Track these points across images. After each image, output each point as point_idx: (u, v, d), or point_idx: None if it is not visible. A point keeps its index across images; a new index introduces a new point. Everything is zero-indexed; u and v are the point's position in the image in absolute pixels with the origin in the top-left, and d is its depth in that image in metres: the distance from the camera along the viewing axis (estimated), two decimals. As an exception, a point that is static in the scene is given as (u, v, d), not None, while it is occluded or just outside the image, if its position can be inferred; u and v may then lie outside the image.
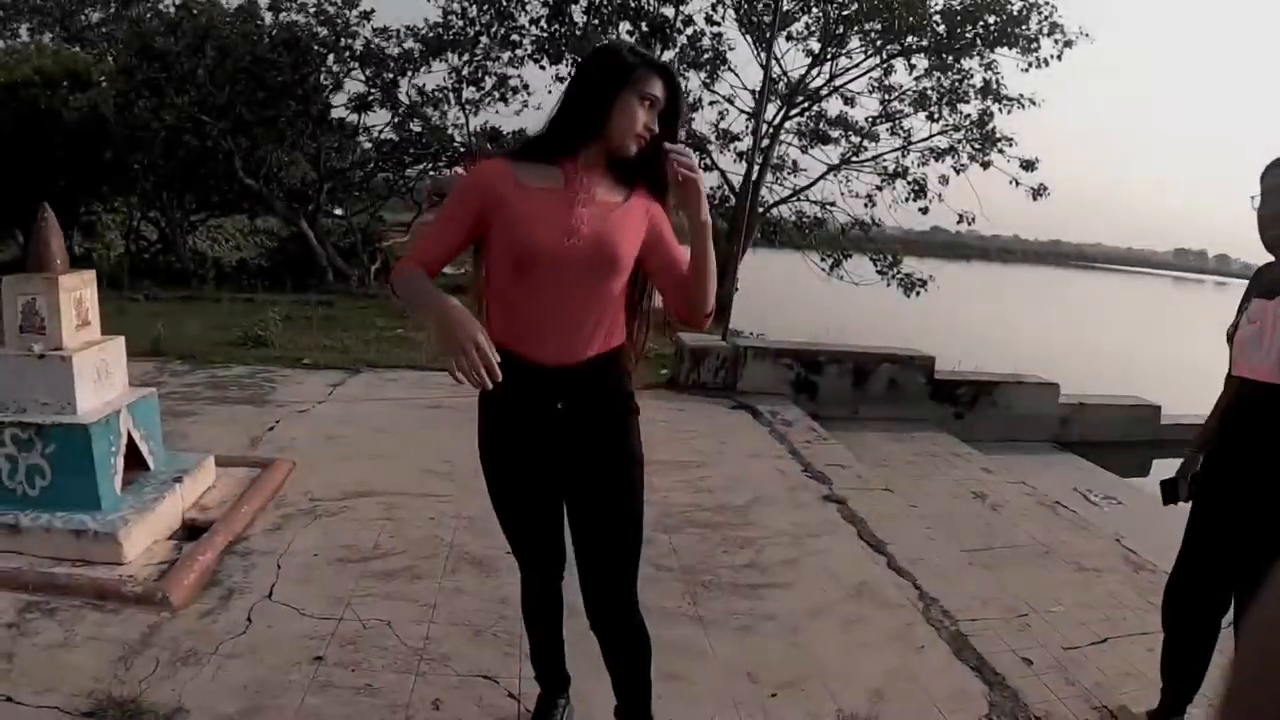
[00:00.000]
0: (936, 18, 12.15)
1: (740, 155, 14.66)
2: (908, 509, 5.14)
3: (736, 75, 14.47)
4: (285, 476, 4.43)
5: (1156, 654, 3.36)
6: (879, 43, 12.79)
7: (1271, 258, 2.69)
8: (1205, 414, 9.37)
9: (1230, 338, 2.80)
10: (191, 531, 3.72)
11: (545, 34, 13.68)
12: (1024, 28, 12.18)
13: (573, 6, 13.33)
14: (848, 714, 2.86)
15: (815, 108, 13.96)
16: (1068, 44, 12.34)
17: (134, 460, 3.71)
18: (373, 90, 15.62)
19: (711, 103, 14.53)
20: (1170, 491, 3.01)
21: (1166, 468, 8.33)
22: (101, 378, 3.57)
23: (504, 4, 13.75)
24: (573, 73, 2.15)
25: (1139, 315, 34.78)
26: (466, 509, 4.28)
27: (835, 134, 14.53)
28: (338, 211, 17.47)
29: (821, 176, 14.33)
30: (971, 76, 12.94)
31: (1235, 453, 2.73)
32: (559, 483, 2.20)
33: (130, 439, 3.66)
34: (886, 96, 13.64)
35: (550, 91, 14.90)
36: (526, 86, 15.18)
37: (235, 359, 7.50)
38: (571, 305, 2.00)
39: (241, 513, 3.84)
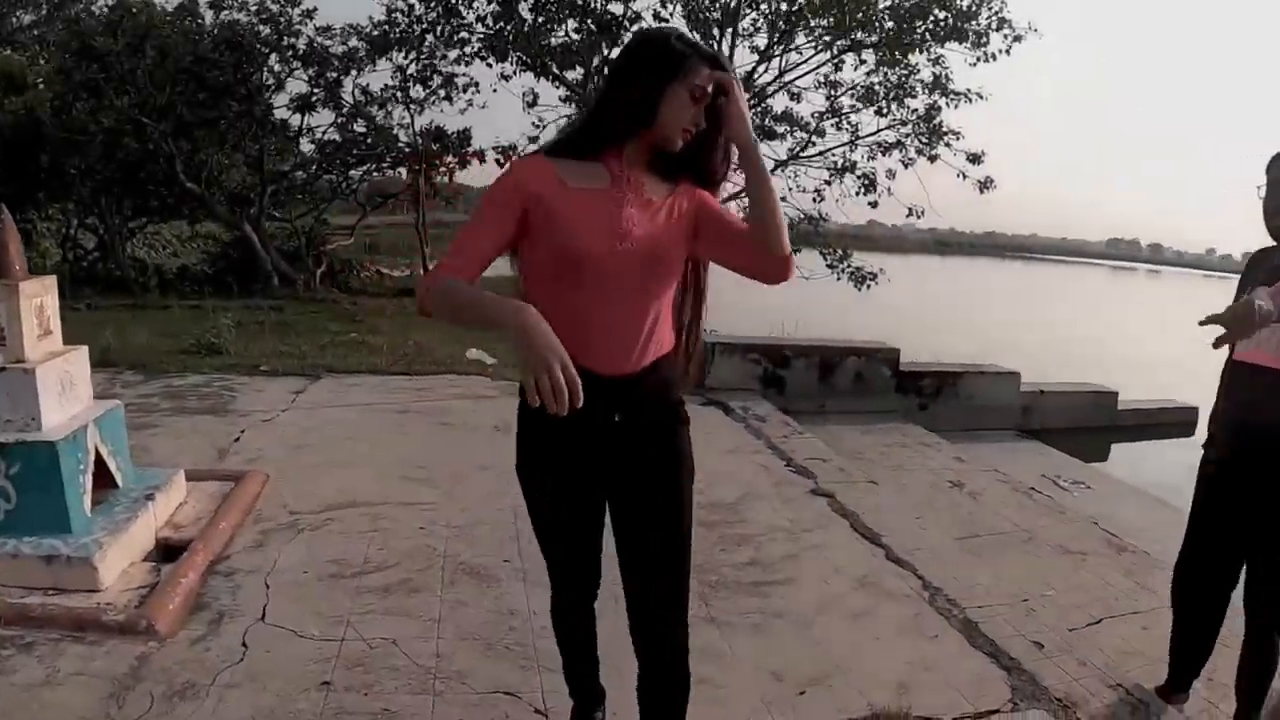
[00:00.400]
0: (885, 14, 12.22)
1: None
2: (894, 500, 5.13)
3: None
4: (260, 489, 4.21)
5: (1151, 632, 3.52)
6: (827, 39, 12.81)
7: (1269, 244, 2.73)
8: (1160, 399, 9.53)
9: None
10: (167, 552, 3.49)
11: (491, 31, 13.42)
12: (974, 22, 12.31)
13: (521, 4, 13.09)
14: (879, 708, 2.82)
15: (762, 104, 13.91)
16: (1017, 39, 12.50)
17: (101, 478, 3.47)
18: (315, 90, 15.21)
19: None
20: None
21: (1125, 452, 8.56)
22: (66, 390, 3.33)
23: (451, 1, 13.46)
24: (615, 62, 1.94)
25: (1078, 303, 35.73)
26: (453, 517, 4.14)
27: (781, 130, 14.56)
28: (278, 214, 16.98)
29: (770, 172, 14.28)
30: (919, 71, 13.04)
31: (1243, 436, 2.73)
32: (607, 499, 2.08)
33: (98, 455, 3.43)
34: (833, 92, 13.68)
35: (495, 90, 14.64)
36: (475, 85, 14.91)
37: (190, 367, 7.18)
38: (626, 311, 1.87)
39: (220, 530, 3.62)
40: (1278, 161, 2.62)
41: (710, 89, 1.82)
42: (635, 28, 12.98)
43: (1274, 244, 2.70)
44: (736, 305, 8.79)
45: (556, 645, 2.38)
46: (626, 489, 2.03)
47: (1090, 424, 8.67)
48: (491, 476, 4.78)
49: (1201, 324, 2.26)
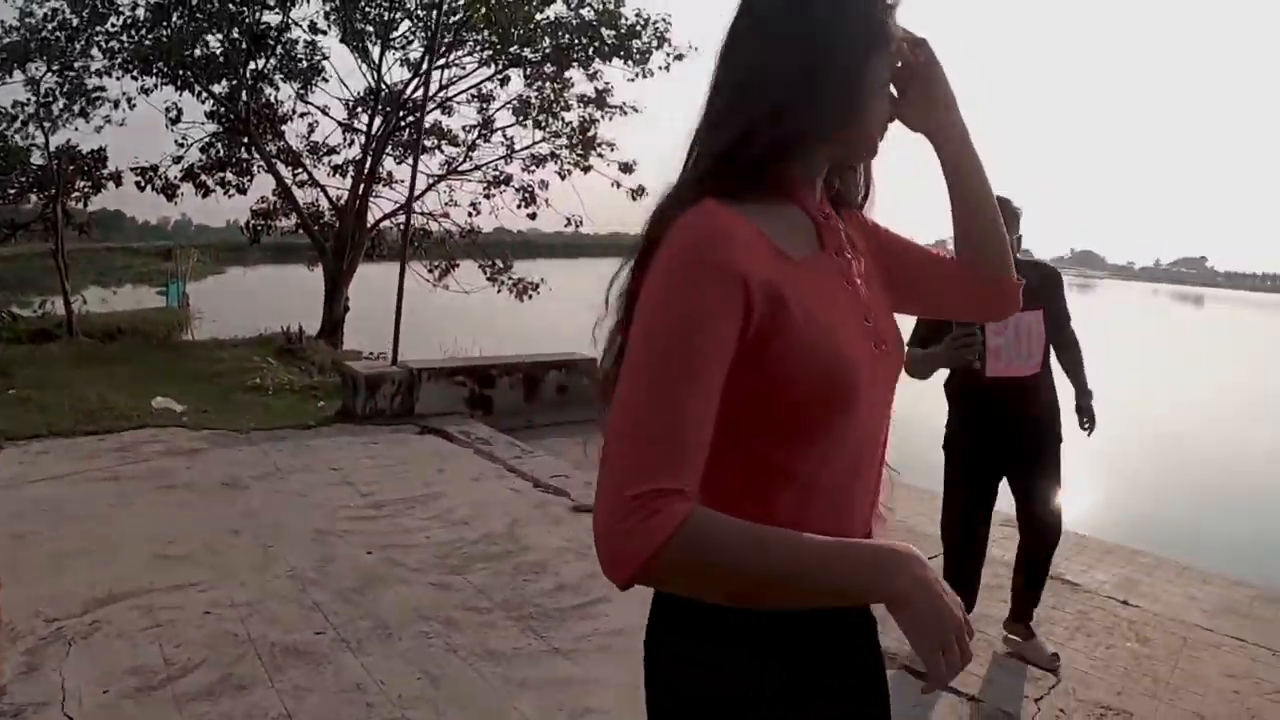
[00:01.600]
0: (547, 31, 12.63)
1: (336, 169, 14.04)
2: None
3: (345, 85, 13.79)
4: (-8, 600, 3.52)
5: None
6: (490, 54, 12.95)
7: None
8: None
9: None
10: (-92, 699, 2.83)
11: (134, 42, 11.89)
12: (638, 41, 12.96)
13: (173, 12, 11.73)
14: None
15: (421, 119, 13.78)
16: (678, 57, 13.32)
17: None
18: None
19: (303, 114, 13.76)
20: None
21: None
22: None
23: (100, 8, 11.72)
24: (784, 19, 1.08)
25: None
26: (235, 594, 3.77)
27: (430, 144, 14.47)
28: None
29: (430, 187, 14.13)
30: (573, 85, 13.65)
31: (992, 429, 3.51)
32: None
33: None
34: (484, 106, 13.85)
35: (133, 105, 12.94)
36: (130, 100, 13.09)
37: None
38: (878, 451, 1.18)
39: (-29, 659, 3.00)
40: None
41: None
42: (285, 38, 12.33)
43: None
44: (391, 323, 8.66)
45: None
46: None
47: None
48: (248, 541, 4.41)
49: None
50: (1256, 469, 10.74)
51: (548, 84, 13.42)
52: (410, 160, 13.57)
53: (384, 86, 13.38)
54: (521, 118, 13.71)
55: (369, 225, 14.08)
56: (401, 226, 14.49)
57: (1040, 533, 3.55)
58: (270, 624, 3.50)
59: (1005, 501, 3.64)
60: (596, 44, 12.65)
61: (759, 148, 1.05)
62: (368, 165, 13.64)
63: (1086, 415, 3.68)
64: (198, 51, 12.15)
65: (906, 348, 1.42)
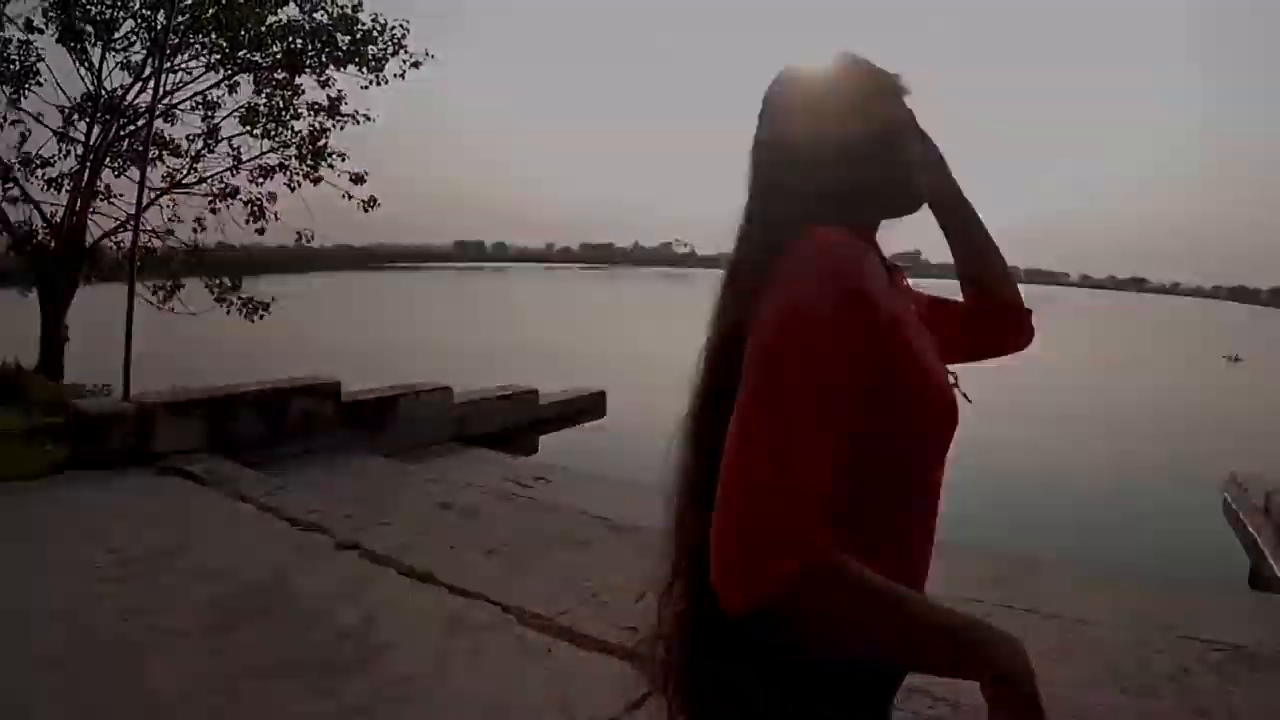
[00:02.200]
0: (277, 35, 12.03)
1: (50, 183, 12.53)
2: (411, 535, 5.27)
3: (62, 90, 12.19)
4: None
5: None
6: (218, 58, 12.10)
7: None
8: (572, 388, 11.20)
9: None
10: None
11: None
12: (373, 47, 12.54)
13: None
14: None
15: (150, 126, 12.59)
16: (415, 64, 13.01)
17: None
18: None
19: (14, 122, 12.16)
20: None
21: (551, 442, 9.81)
22: None
23: None
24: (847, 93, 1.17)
25: (431, 303, 38.30)
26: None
27: (153, 154, 13.27)
28: None
29: (153, 201, 12.88)
30: (304, 93, 13.06)
31: None
32: None
33: None
34: (210, 114, 12.92)
35: None
36: None
37: None
38: (941, 492, 1.20)
39: None
40: None
41: None
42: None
43: None
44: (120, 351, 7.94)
45: None
46: None
47: (519, 423, 9.75)
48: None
49: None
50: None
51: (278, 91, 12.73)
52: (130, 173, 12.51)
53: (104, 92, 12.16)
54: (249, 126, 12.90)
55: (88, 244, 12.69)
56: (122, 245, 13.27)
57: None
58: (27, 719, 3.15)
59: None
60: (330, 49, 12.18)
61: (862, 181, 1.13)
62: (85, 178, 12.29)
63: None
64: None
65: None
